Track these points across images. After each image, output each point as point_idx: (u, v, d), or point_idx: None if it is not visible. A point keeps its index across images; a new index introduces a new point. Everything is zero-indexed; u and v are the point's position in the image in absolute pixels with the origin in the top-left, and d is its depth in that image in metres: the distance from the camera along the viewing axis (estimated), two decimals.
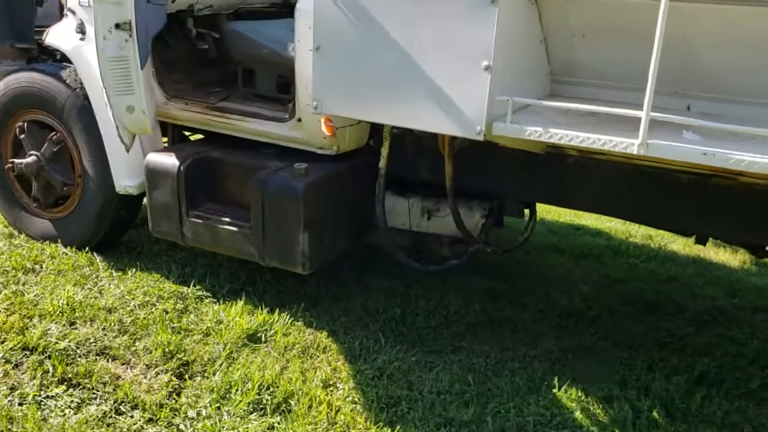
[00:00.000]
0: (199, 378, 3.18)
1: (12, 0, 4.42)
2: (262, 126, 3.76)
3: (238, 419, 2.90)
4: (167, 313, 3.67)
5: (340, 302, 3.93)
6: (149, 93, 3.56)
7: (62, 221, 4.34)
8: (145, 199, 3.92)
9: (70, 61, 4.09)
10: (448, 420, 2.96)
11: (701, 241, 3.74)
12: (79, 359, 3.22)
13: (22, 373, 3.10)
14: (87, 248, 4.27)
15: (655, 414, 3.09)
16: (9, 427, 2.76)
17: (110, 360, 3.27)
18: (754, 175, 2.62)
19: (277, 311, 3.71)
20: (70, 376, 3.09)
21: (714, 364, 3.51)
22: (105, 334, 3.44)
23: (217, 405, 2.98)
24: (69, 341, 3.31)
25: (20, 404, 2.90)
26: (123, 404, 2.95)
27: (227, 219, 3.68)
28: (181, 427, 2.84)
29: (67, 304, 3.63)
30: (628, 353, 3.60)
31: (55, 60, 4.46)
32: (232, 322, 3.59)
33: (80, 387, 3.05)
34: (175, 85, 4.17)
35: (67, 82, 4.08)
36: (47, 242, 4.35)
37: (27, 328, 3.40)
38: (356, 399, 3.08)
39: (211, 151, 3.86)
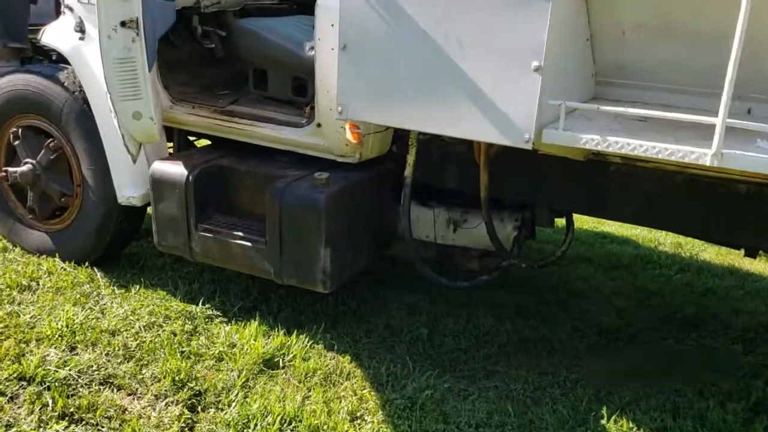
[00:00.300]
0: (213, 410, 2.90)
1: None
2: (276, 132, 3.48)
3: None
4: (175, 335, 3.38)
5: (361, 321, 3.65)
6: (156, 97, 3.26)
7: (60, 234, 4.04)
8: (149, 209, 3.63)
9: (67, 62, 3.79)
10: None
11: (751, 254, 3.47)
12: (80, 390, 2.93)
13: (19, 408, 2.80)
14: (87, 263, 3.98)
15: None
16: None
17: (115, 390, 2.98)
18: None
19: (294, 333, 3.43)
20: (71, 409, 2.80)
21: None
22: (108, 361, 3.15)
23: None
24: (69, 369, 3.02)
25: None
26: None
27: (240, 233, 3.39)
28: None
29: (67, 327, 3.34)
30: (675, 376, 3.33)
31: (52, 61, 4.17)
32: (247, 346, 3.31)
33: (83, 423, 2.75)
34: (181, 87, 3.88)
35: (64, 84, 3.78)
36: (44, 256, 4.05)
37: (23, 355, 3.11)
38: None
39: (222, 159, 3.57)
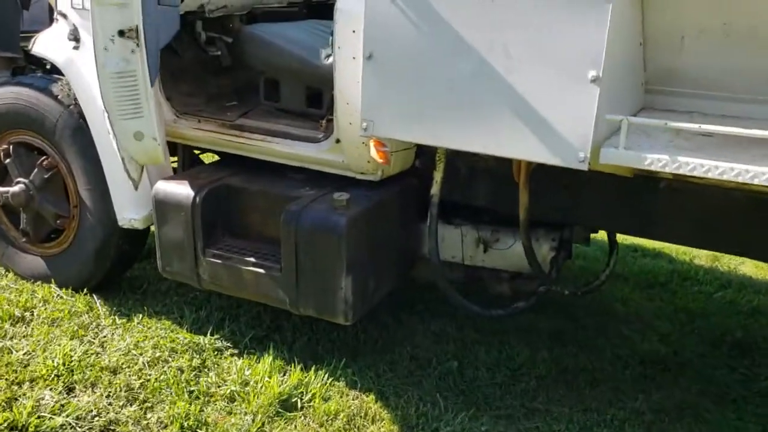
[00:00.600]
0: None
1: None
2: (290, 147, 3.18)
3: None
4: (182, 372, 3.08)
5: (383, 352, 3.35)
6: (160, 114, 2.95)
7: (56, 258, 3.74)
8: (152, 227, 3.33)
9: (62, 73, 3.49)
10: None
11: None
12: None
13: None
14: (85, 289, 3.68)
15: None
16: None
17: None
18: None
19: (312, 367, 3.13)
20: None
21: None
22: (110, 404, 2.85)
23: None
24: (67, 415, 2.73)
25: None
26: None
27: (252, 259, 3.09)
28: None
29: (64, 364, 3.05)
30: (734, 412, 3.03)
31: (46, 71, 3.87)
32: (261, 383, 3.01)
33: None
34: (185, 98, 3.58)
35: (58, 97, 3.48)
36: (39, 283, 3.75)
37: (16, 399, 2.82)
38: None
39: (230, 178, 3.27)
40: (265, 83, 3.43)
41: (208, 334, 3.37)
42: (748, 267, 4.70)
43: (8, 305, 3.51)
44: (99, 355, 3.18)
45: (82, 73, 3.31)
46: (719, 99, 2.61)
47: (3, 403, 2.76)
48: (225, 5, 3.68)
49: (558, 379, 3.23)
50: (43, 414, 2.72)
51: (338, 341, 3.42)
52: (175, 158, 3.66)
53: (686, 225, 2.94)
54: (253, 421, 2.79)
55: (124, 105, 2.70)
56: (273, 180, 3.24)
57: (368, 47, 2.43)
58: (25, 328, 3.37)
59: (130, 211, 3.36)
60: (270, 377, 3.04)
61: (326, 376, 3.08)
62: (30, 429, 2.64)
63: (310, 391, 2.99)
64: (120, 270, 3.78)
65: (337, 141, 2.99)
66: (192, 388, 2.98)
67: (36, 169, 3.61)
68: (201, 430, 2.72)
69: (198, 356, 3.22)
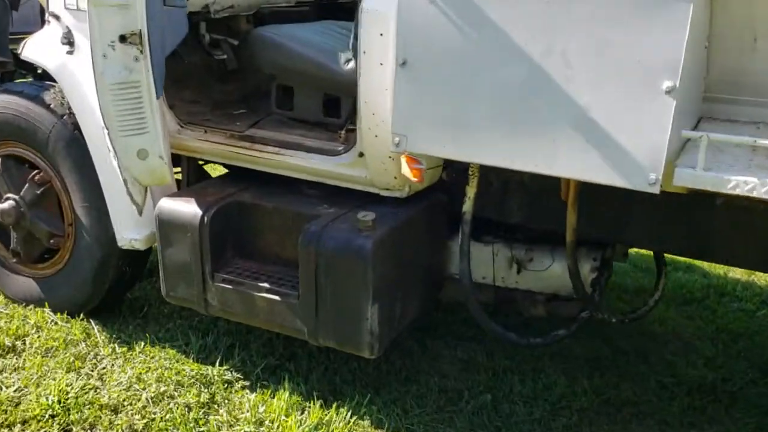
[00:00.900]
0: None
1: None
2: (306, 161, 2.90)
3: None
4: (190, 409, 2.80)
5: (409, 383, 3.07)
6: (165, 127, 2.65)
7: (50, 280, 3.45)
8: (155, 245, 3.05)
9: (54, 79, 3.20)
10: None
11: None
12: None
13: None
14: (81, 314, 3.39)
15: None
16: None
17: None
18: None
19: (333, 404, 2.85)
20: None
21: None
22: None
23: None
24: None
25: None
26: None
27: (266, 284, 2.81)
28: None
29: (59, 402, 2.77)
30: None
31: (37, 76, 3.58)
32: (277, 423, 2.73)
33: None
34: (189, 106, 3.30)
35: (51, 106, 3.19)
36: (31, 307, 3.46)
37: None
38: None
39: (241, 194, 2.99)
40: (277, 90, 3.15)
41: (217, 364, 3.09)
42: None
43: None
44: (98, 391, 2.89)
45: (77, 80, 3.02)
46: None
47: None
48: (232, 5, 3.39)
49: (600, 411, 2.96)
50: None
51: (358, 371, 3.14)
52: (178, 169, 3.37)
53: (746, 247, 2.66)
54: None
55: (126, 120, 2.40)
56: (288, 196, 2.96)
57: (402, 53, 2.15)
58: (17, 359, 3.09)
59: (130, 230, 3.07)
60: (287, 416, 2.76)
61: (349, 413, 2.80)
62: None
63: (332, 431, 2.71)
64: (119, 293, 3.49)
65: (361, 155, 2.71)
66: (201, 429, 2.70)
67: (27, 184, 3.32)
68: None
69: (206, 390, 2.94)
